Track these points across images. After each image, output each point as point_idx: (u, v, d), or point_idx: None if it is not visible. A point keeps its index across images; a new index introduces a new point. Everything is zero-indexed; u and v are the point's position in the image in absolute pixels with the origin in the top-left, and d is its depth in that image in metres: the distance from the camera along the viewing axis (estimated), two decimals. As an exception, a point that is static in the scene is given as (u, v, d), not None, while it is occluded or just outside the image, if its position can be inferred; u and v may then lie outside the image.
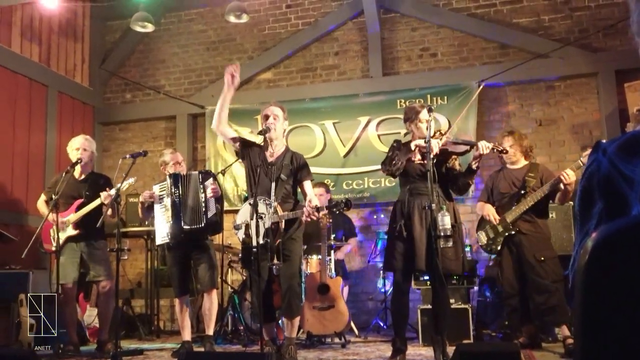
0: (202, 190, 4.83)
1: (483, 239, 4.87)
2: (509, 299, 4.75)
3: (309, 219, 4.08)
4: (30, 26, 7.05)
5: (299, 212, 4.11)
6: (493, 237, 4.79)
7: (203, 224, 4.76)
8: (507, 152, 4.34)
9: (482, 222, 4.93)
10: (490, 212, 4.79)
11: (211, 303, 4.87)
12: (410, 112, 4.25)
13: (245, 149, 4.43)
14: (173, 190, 4.83)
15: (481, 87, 6.68)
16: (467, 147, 4.12)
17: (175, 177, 4.90)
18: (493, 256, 5.25)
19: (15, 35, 6.83)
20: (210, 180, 4.88)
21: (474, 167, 4.09)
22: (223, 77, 7.65)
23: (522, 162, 4.86)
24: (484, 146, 3.98)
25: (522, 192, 4.70)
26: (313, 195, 4.29)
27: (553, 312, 4.49)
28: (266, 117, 4.34)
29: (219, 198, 4.91)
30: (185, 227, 4.74)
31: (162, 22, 7.99)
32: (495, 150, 4.06)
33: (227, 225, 6.13)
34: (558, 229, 5.46)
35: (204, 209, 4.79)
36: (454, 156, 4.20)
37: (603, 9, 6.72)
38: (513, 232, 4.67)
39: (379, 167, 6.87)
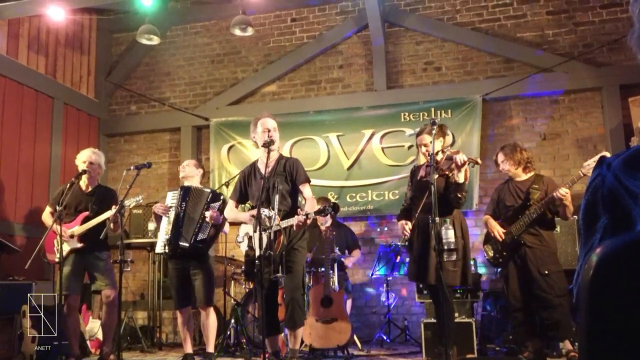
0: (204, 209, 4.84)
1: (489, 252, 4.85)
2: (514, 312, 4.72)
3: (299, 225, 4.06)
4: (37, 38, 7.12)
5: (291, 220, 4.09)
6: (499, 250, 4.76)
7: (188, 244, 4.77)
8: (479, 163, 4.25)
9: (489, 236, 4.91)
10: (494, 228, 4.77)
11: (208, 320, 4.85)
12: (419, 131, 4.48)
13: (245, 187, 4.46)
14: (179, 203, 4.88)
15: (482, 99, 6.69)
16: (451, 162, 4.13)
17: (185, 191, 4.93)
18: (498, 270, 5.21)
19: (22, 47, 6.89)
20: (218, 204, 4.86)
21: (458, 180, 4.10)
22: (228, 89, 7.80)
23: (525, 175, 4.84)
24: (460, 159, 4.02)
25: (527, 204, 4.67)
26: (311, 198, 4.29)
27: (557, 327, 4.46)
28: (267, 131, 4.35)
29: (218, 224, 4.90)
30: (182, 243, 4.78)
31: (167, 34, 8.05)
32: (469, 162, 4.08)
33: (231, 237, 6.14)
34: (563, 243, 5.44)
35: (196, 230, 4.80)
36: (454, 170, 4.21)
37: (607, 24, 6.75)
38: (518, 246, 4.64)
39: (383, 179, 7.04)
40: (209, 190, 5.00)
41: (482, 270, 6.38)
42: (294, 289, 4.22)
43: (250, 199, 4.44)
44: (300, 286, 4.27)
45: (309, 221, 4.10)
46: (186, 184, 5.09)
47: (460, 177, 4.07)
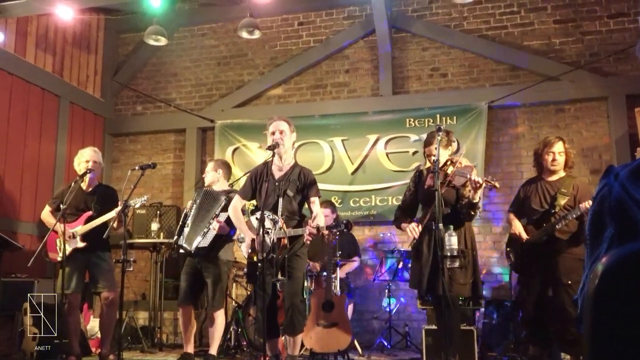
0: (213, 217, 4.85)
1: (512, 257, 4.60)
2: (527, 321, 4.53)
3: (310, 239, 4.06)
4: (45, 37, 7.15)
5: (301, 230, 4.09)
6: (521, 255, 4.51)
7: (190, 248, 4.84)
8: (497, 187, 4.06)
9: (512, 238, 4.63)
10: (518, 229, 4.48)
11: (215, 323, 4.85)
12: (426, 139, 4.43)
13: (255, 185, 4.38)
14: (192, 205, 5.01)
15: (487, 105, 6.69)
16: (465, 180, 4.06)
17: (199, 194, 5.07)
18: (511, 272, 5.05)
19: (30, 45, 6.91)
20: (227, 214, 4.84)
21: (473, 200, 4.06)
22: (234, 91, 7.81)
23: (560, 174, 4.49)
24: (477, 180, 3.93)
25: (552, 210, 4.36)
26: (320, 213, 4.26)
27: (577, 343, 4.11)
28: (272, 133, 4.33)
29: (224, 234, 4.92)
30: (181, 243, 4.85)
31: (175, 36, 8.07)
32: (486, 184, 3.96)
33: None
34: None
35: (201, 235, 4.82)
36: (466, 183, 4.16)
37: (614, 34, 6.74)
38: (541, 253, 4.34)
39: (387, 185, 7.03)
40: (223, 199, 4.92)
41: (483, 278, 6.36)
42: (294, 295, 4.19)
43: (257, 199, 4.40)
44: (300, 292, 4.27)
45: (319, 234, 4.10)
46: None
47: (476, 197, 4.05)
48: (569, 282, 4.14)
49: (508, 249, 4.67)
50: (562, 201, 4.34)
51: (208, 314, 4.90)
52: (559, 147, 4.46)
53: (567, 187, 4.37)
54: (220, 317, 4.91)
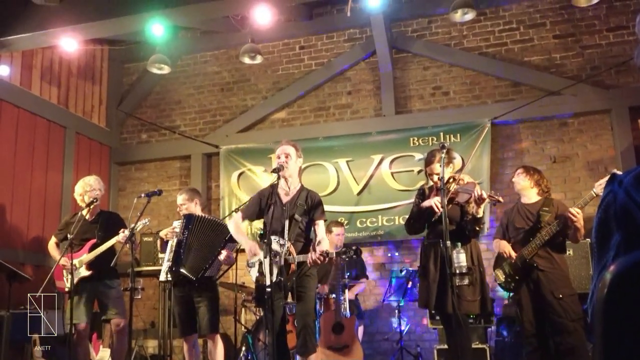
0: (219, 247, 4.79)
1: (500, 276, 4.75)
2: (529, 338, 4.59)
3: (316, 262, 4.01)
4: (50, 69, 7.24)
5: (307, 257, 4.04)
6: (511, 274, 4.67)
7: (195, 279, 4.68)
8: (501, 201, 4.15)
9: (499, 260, 4.82)
10: (506, 248, 4.68)
11: (214, 348, 4.75)
12: (426, 158, 4.43)
13: (263, 205, 4.37)
14: (182, 231, 4.81)
15: (490, 123, 6.70)
16: (469, 196, 4.08)
17: (188, 219, 4.87)
18: (509, 294, 5.13)
19: (35, 78, 7.00)
20: (235, 245, 4.81)
21: (477, 215, 4.06)
22: (237, 116, 7.87)
23: (536, 197, 4.76)
24: (479, 195, 3.97)
25: (538, 226, 4.59)
26: (324, 237, 4.25)
27: (572, 352, 4.33)
28: (278, 157, 4.36)
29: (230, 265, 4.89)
30: (182, 270, 4.68)
31: (178, 64, 8.16)
32: (490, 199, 4.02)
33: (241, 264, 6.11)
34: (576, 267, 5.38)
35: (207, 266, 4.73)
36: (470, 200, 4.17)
37: (614, 47, 6.76)
38: (530, 269, 4.54)
39: (393, 204, 7.03)
40: (229, 230, 4.83)
41: (493, 295, 6.30)
42: (306, 315, 4.15)
43: (265, 222, 4.38)
44: (312, 312, 4.22)
45: (325, 261, 4.05)
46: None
47: (480, 212, 4.05)
48: (560, 295, 4.35)
49: (495, 269, 4.80)
50: (546, 217, 4.56)
51: (209, 340, 4.77)
52: (519, 172, 4.83)
53: (547, 205, 4.63)
54: (220, 340, 4.82)
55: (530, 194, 4.77)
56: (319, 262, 3.98)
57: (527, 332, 4.60)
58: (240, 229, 4.42)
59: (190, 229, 4.79)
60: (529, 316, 4.56)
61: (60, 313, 5.84)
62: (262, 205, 4.35)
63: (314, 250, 4.03)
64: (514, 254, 4.62)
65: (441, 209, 4.00)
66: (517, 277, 4.63)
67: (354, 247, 4.18)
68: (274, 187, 4.34)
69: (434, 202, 4.14)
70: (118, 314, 5.05)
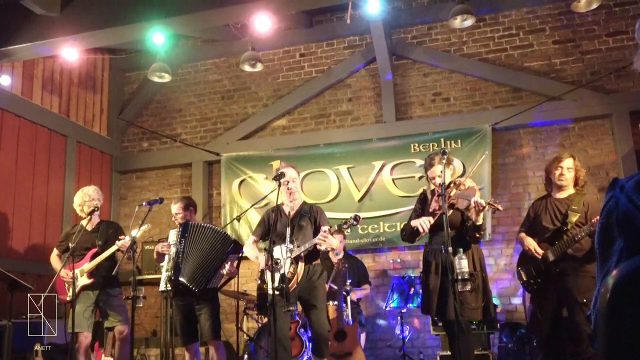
0: (221, 259, 4.77)
1: (524, 276, 4.53)
2: (542, 342, 4.44)
3: (323, 241, 4.24)
4: (51, 78, 7.26)
5: (314, 240, 4.27)
6: (534, 276, 4.44)
7: (197, 289, 4.64)
8: (500, 210, 3.98)
9: (524, 257, 4.58)
10: (531, 245, 4.42)
11: (216, 354, 4.73)
12: (426, 163, 4.40)
13: (269, 224, 4.58)
14: (179, 239, 4.79)
15: (491, 128, 6.70)
16: (468, 203, 4.02)
17: (184, 227, 4.85)
18: (520, 293, 5.01)
19: (36, 87, 7.02)
20: (237, 256, 4.83)
21: (477, 222, 4.01)
22: (238, 124, 7.88)
23: (569, 191, 4.47)
24: (479, 203, 3.89)
25: (564, 228, 4.31)
26: (327, 229, 4.40)
27: None
28: (287, 182, 4.55)
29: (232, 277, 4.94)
30: (182, 279, 4.63)
31: (178, 72, 8.18)
32: (489, 207, 3.92)
33: (243, 272, 6.11)
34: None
35: (209, 277, 4.71)
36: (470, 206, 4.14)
37: (614, 52, 6.77)
38: (555, 274, 4.29)
39: (394, 211, 7.02)
40: (231, 240, 4.88)
41: (497, 301, 6.28)
42: (320, 326, 4.35)
43: (270, 235, 4.51)
44: (325, 322, 4.43)
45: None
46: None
47: (479, 219, 4.03)
48: (584, 300, 4.09)
49: (519, 267, 4.60)
50: (574, 218, 4.31)
51: (211, 346, 4.74)
52: (568, 162, 4.48)
53: (577, 204, 4.35)
54: (221, 345, 4.80)
55: (567, 188, 4.48)
56: (324, 240, 4.22)
57: (541, 336, 4.45)
58: (256, 251, 4.64)
59: (187, 237, 4.77)
60: (547, 321, 4.36)
61: (62, 322, 5.84)
62: (268, 224, 4.59)
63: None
64: (540, 251, 4.38)
65: (427, 230, 4.09)
66: (539, 280, 4.43)
67: (352, 215, 4.32)
68: (279, 206, 4.57)
69: (420, 222, 4.09)
70: (121, 321, 5.04)
